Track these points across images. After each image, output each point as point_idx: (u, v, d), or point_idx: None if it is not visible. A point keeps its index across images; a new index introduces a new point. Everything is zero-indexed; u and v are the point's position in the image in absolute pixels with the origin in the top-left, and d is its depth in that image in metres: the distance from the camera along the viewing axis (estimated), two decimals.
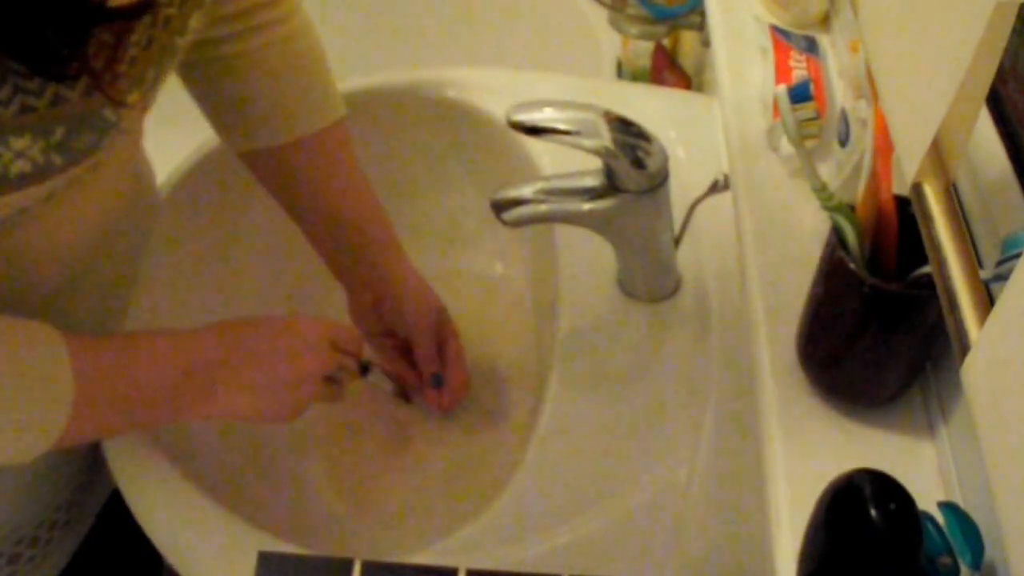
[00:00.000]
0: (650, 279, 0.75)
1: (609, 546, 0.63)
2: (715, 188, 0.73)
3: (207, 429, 0.76)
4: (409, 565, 0.61)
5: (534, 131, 0.66)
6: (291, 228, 0.80)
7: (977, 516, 0.50)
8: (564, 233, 0.80)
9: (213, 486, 0.70)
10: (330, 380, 0.68)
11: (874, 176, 0.57)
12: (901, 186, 0.50)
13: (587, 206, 0.70)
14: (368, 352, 0.78)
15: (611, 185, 0.69)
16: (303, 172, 0.74)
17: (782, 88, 0.57)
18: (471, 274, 0.96)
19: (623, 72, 1.13)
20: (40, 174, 0.50)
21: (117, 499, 0.68)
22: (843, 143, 0.75)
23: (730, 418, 0.68)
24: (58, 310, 0.63)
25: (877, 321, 0.57)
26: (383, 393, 0.84)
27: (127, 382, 0.58)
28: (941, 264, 0.41)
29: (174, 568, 0.64)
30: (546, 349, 0.80)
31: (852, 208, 0.57)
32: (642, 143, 0.68)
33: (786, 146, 0.78)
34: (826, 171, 0.76)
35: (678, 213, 0.73)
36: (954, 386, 0.60)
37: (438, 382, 0.80)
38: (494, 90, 0.90)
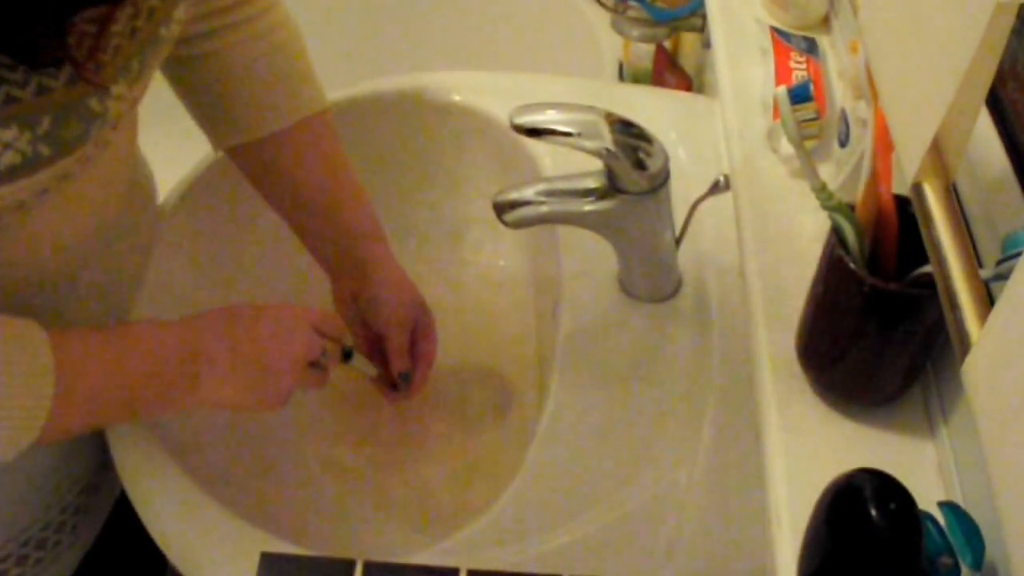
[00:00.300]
0: (651, 279, 0.75)
1: (609, 546, 0.63)
2: (716, 188, 0.73)
3: (212, 429, 0.76)
4: (411, 565, 0.61)
5: (536, 133, 0.66)
6: (296, 240, 0.79)
7: (978, 516, 0.50)
8: (565, 234, 0.80)
9: (217, 487, 0.70)
10: (314, 365, 0.67)
11: (874, 176, 0.57)
12: (901, 186, 0.50)
13: (588, 207, 0.70)
14: (351, 339, 0.78)
15: (612, 186, 0.69)
16: (282, 165, 0.74)
17: (782, 89, 0.58)
18: (473, 275, 0.96)
19: (625, 74, 1.13)
20: (29, 166, 0.50)
21: (126, 504, 0.68)
22: (843, 143, 0.75)
23: (730, 418, 0.68)
24: (56, 311, 0.63)
25: (877, 321, 0.57)
26: (387, 393, 0.84)
27: (109, 376, 0.58)
28: (941, 263, 0.41)
29: (177, 569, 0.64)
30: (547, 349, 0.80)
31: (852, 208, 0.58)
32: (643, 144, 0.68)
33: (786, 146, 0.78)
34: (826, 171, 0.76)
35: (679, 213, 0.74)
36: (955, 385, 0.60)
37: (406, 379, 0.79)
38: (497, 93, 0.90)
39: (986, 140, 0.51)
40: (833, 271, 0.58)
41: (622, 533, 0.64)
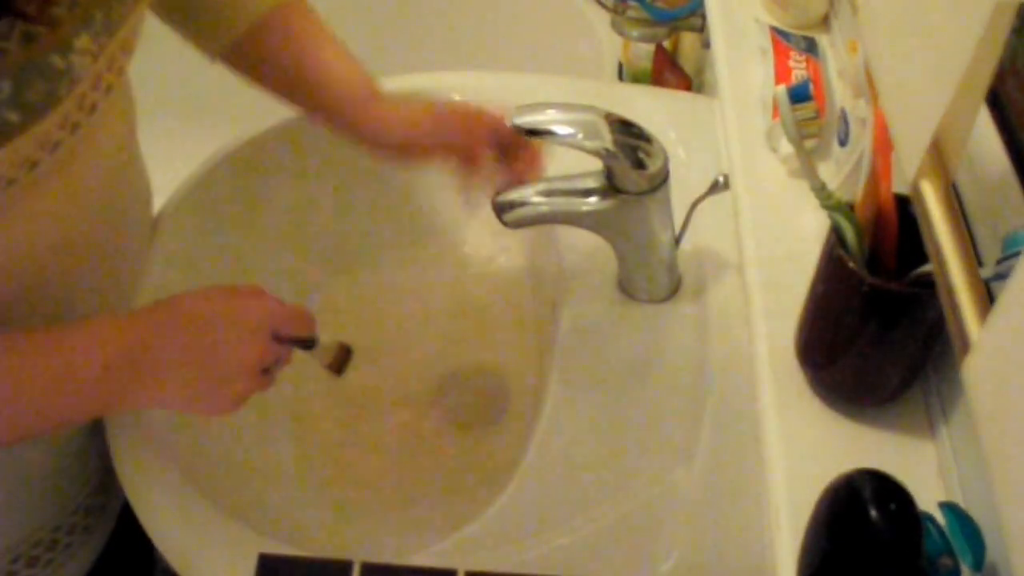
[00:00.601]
0: (650, 279, 0.75)
1: (608, 547, 0.63)
2: (715, 188, 0.73)
3: (211, 432, 0.76)
4: (408, 567, 0.61)
5: (536, 133, 0.66)
6: (296, 240, 0.79)
7: (978, 516, 0.50)
8: (564, 234, 0.80)
9: (214, 489, 0.70)
10: (267, 371, 0.63)
11: (874, 175, 0.57)
12: (901, 185, 0.50)
13: (588, 207, 0.70)
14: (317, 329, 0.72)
15: (612, 186, 0.69)
16: (274, 55, 0.72)
17: (782, 88, 0.58)
18: (472, 275, 0.96)
19: (624, 74, 1.13)
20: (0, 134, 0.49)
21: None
22: (842, 142, 0.75)
23: (729, 418, 0.68)
24: (49, 314, 0.63)
25: (877, 320, 0.57)
26: (392, 395, 0.83)
27: (46, 379, 0.56)
28: (941, 263, 0.40)
29: (172, 570, 0.64)
30: (546, 349, 0.80)
31: (851, 207, 0.57)
32: (642, 144, 0.68)
33: (786, 146, 0.78)
34: (826, 170, 0.76)
35: (678, 213, 0.73)
36: (955, 385, 0.59)
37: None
38: (497, 93, 0.90)
39: (986, 139, 0.51)
40: (833, 271, 0.58)
41: (621, 534, 0.64)
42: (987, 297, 0.39)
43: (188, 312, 0.60)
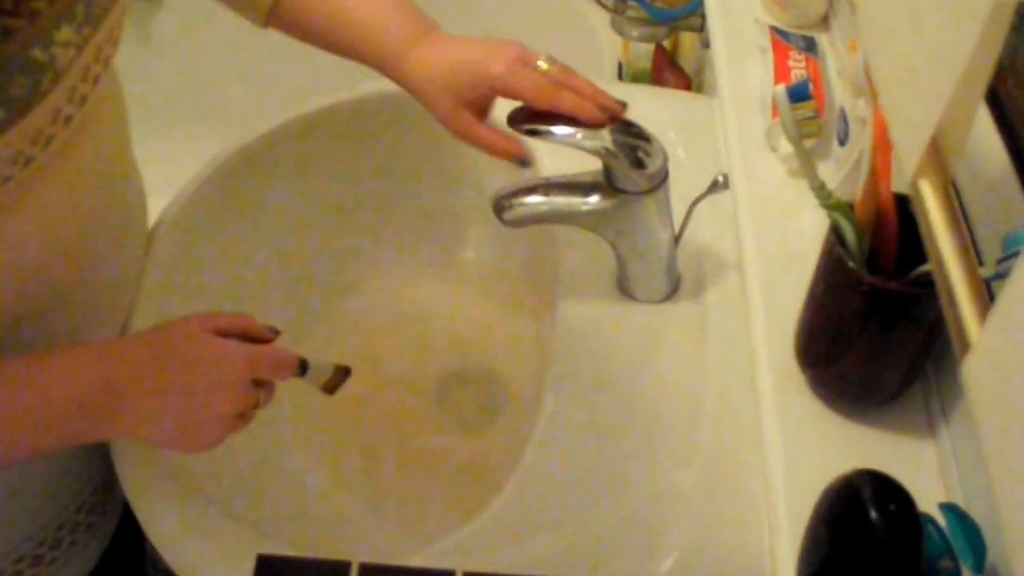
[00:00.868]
0: (649, 279, 0.75)
1: (607, 548, 0.63)
2: (714, 187, 0.73)
3: None
4: (406, 567, 0.61)
5: (535, 132, 0.66)
6: (295, 241, 0.78)
7: (979, 517, 0.50)
8: (564, 234, 0.80)
9: (213, 489, 0.70)
10: (241, 415, 0.62)
11: (873, 174, 0.56)
12: (901, 184, 0.49)
13: (587, 206, 0.70)
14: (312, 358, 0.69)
15: (611, 185, 0.69)
16: (309, 16, 0.71)
17: (781, 88, 0.57)
18: (471, 274, 0.96)
19: (624, 74, 1.13)
20: None
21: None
22: (842, 142, 0.74)
23: (729, 419, 0.68)
24: (49, 313, 0.63)
25: (877, 320, 0.57)
26: (397, 404, 0.82)
27: (21, 412, 0.55)
28: (939, 262, 0.40)
29: (166, 566, 0.64)
30: (545, 350, 0.80)
31: (851, 207, 0.57)
32: (642, 143, 0.68)
33: (785, 145, 0.78)
34: (825, 170, 0.76)
35: (678, 213, 0.73)
36: (955, 385, 0.59)
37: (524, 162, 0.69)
38: None
39: (987, 138, 0.51)
40: (832, 270, 0.58)
41: (620, 535, 0.64)
42: (987, 297, 0.39)
43: (168, 351, 0.59)
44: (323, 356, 0.67)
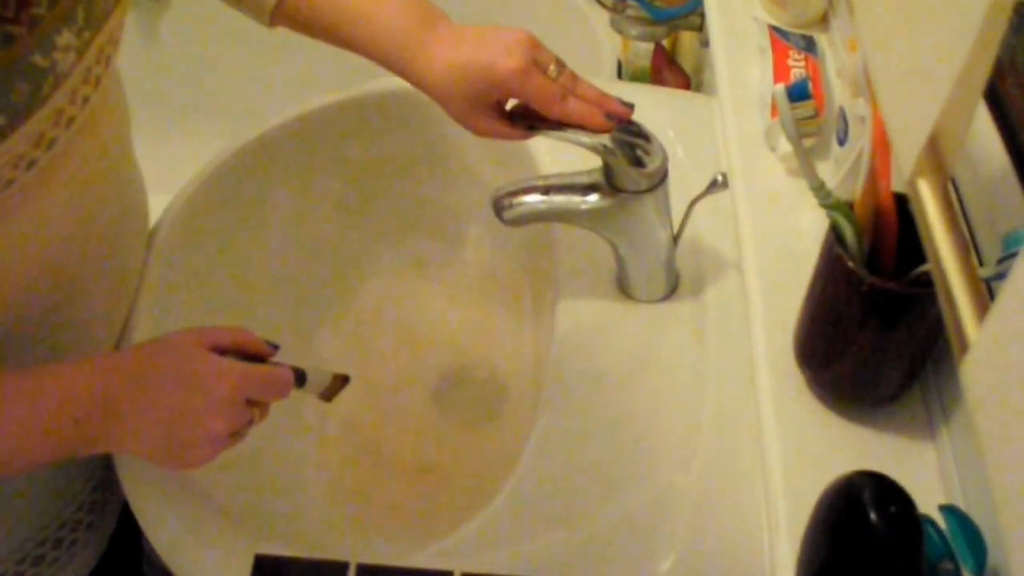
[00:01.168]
0: (649, 279, 0.75)
1: (606, 548, 0.63)
2: (714, 187, 0.72)
3: None
4: (404, 568, 0.61)
5: (536, 128, 0.66)
6: (295, 242, 0.78)
7: (979, 519, 0.50)
8: (563, 233, 0.80)
9: (211, 490, 0.70)
10: (234, 434, 0.61)
11: (873, 174, 0.56)
12: (901, 184, 0.49)
13: (586, 205, 0.70)
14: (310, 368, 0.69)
15: (610, 184, 0.69)
16: (315, 15, 0.70)
17: (780, 87, 0.57)
18: (470, 273, 0.96)
19: (623, 73, 1.13)
20: None
21: None
22: (841, 141, 0.74)
23: (728, 419, 0.68)
24: (49, 310, 0.63)
25: (876, 320, 0.57)
26: (406, 406, 0.82)
27: (15, 427, 0.55)
28: (938, 262, 0.40)
29: (171, 570, 0.64)
30: (544, 349, 0.80)
31: (850, 206, 0.57)
32: (641, 142, 0.67)
33: (784, 145, 0.78)
34: (825, 169, 0.76)
35: (677, 212, 0.73)
36: (955, 386, 0.59)
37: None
38: None
39: (986, 137, 0.51)
40: (832, 270, 0.58)
41: (618, 535, 0.63)
42: (987, 296, 0.39)
43: (162, 368, 0.58)
44: (323, 355, 0.67)
